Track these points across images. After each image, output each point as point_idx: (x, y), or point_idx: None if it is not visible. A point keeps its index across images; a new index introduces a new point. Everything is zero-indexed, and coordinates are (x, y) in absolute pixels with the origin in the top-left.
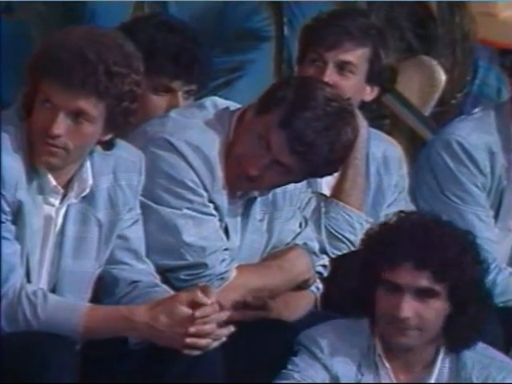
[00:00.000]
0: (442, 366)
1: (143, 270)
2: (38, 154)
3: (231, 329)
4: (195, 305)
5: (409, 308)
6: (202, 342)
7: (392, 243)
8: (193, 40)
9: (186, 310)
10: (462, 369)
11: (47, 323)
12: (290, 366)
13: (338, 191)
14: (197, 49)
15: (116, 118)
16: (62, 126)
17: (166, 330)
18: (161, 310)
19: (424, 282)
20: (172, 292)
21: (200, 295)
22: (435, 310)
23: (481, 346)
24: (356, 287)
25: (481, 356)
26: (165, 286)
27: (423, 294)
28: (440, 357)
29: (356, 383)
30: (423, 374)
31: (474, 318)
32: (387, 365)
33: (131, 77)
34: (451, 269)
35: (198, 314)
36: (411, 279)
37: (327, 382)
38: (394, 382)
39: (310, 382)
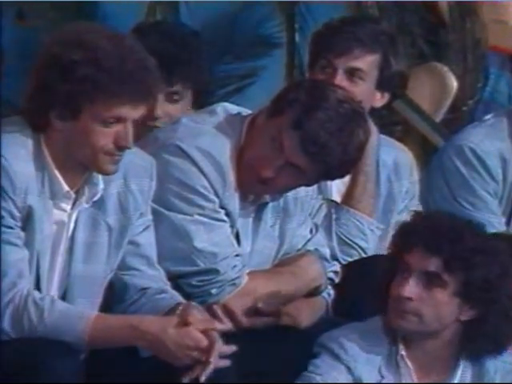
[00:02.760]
0: (463, 370)
1: (153, 277)
2: (102, 165)
3: (233, 348)
4: (205, 329)
5: (412, 289)
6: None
7: (410, 228)
8: (174, 41)
9: (199, 337)
10: (485, 375)
11: (53, 329)
12: (311, 368)
13: (348, 198)
14: (180, 50)
15: None
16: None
17: (172, 346)
18: (172, 324)
19: (432, 266)
20: (180, 298)
21: (217, 327)
22: (439, 301)
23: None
24: (382, 278)
25: (503, 362)
26: (173, 292)
27: (430, 281)
28: (462, 362)
29: (378, 383)
30: (445, 377)
31: (495, 328)
32: (410, 365)
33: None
34: (462, 261)
35: (211, 359)
36: (421, 262)
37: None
38: (416, 382)
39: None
